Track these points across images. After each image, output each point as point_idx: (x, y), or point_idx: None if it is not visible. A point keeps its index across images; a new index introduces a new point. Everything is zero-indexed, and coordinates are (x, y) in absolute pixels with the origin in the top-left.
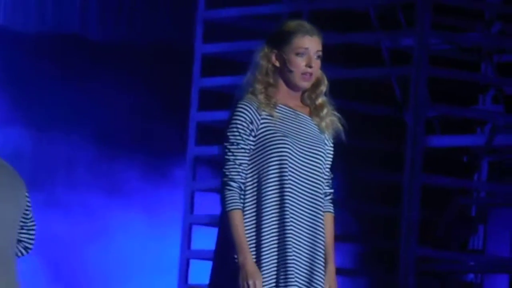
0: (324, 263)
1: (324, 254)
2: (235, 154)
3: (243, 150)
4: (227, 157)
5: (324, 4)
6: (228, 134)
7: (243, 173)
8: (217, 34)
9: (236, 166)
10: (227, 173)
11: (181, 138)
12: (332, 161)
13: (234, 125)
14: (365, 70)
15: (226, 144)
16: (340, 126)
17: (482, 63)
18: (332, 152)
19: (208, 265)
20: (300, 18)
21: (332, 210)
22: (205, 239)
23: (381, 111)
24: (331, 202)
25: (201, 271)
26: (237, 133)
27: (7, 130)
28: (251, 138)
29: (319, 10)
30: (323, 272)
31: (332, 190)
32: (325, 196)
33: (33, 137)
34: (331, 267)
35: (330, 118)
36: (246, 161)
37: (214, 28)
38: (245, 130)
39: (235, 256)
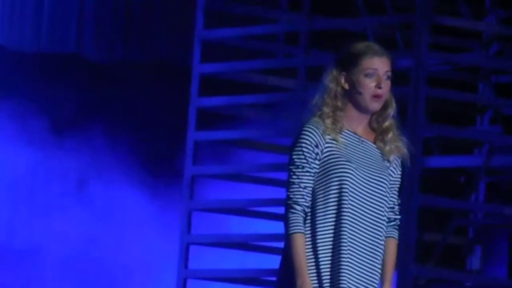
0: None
1: (380, 280)
2: (300, 177)
3: (308, 174)
4: (291, 180)
5: (321, 24)
6: (294, 157)
7: (307, 196)
8: (215, 54)
9: (301, 189)
10: (291, 196)
11: (178, 157)
12: (400, 188)
13: (299, 148)
14: None
15: (291, 167)
16: (406, 151)
17: (480, 83)
18: (399, 179)
19: (205, 285)
20: (298, 39)
21: (395, 236)
22: (203, 258)
23: None
24: (396, 228)
25: None
26: (302, 156)
27: (2, 148)
28: (316, 162)
29: (317, 30)
30: None
31: (398, 217)
32: (389, 222)
33: (30, 155)
34: None
35: (396, 144)
36: (311, 185)
37: (211, 47)
38: (310, 154)
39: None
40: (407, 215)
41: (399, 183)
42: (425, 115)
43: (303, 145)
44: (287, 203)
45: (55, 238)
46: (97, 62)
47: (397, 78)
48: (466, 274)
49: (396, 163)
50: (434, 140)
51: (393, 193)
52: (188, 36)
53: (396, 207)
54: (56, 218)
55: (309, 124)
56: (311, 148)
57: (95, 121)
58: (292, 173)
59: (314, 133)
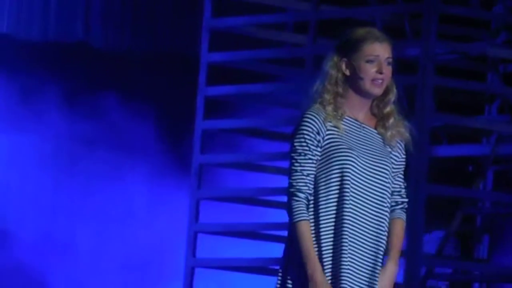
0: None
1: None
2: (302, 164)
3: (310, 161)
4: (294, 167)
5: (330, 13)
6: (295, 144)
7: (310, 184)
8: (222, 43)
9: (304, 177)
10: (294, 184)
11: (186, 147)
12: (404, 171)
13: (301, 135)
14: None
15: (293, 154)
16: (408, 136)
17: (488, 73)
18: (403, 162)
19: (212, 274)
20: (306, 28)
21: (403, 217)
22: (211, 247)
23: None
24: (403, 211)
25: (205, 280)
26: (304, 144)
27: (10, 137)
28: (318, 149)
29: (325, 19)
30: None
31: (405, 200)
32: (397, 205)
33: (36, 145)
34: (390, 267)
35: (397, 129)
36: (313, 172)
37: (219, 36)
38: (312, 141)
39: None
40: (414, 204)
41: (403, 166)
42: (433, 104)
43: (305, 132)
44: (290, 191)
45: (61, 227)
46: (104, 51)
47: (405, 67)
48: (474, 263)
49: (400, 147)
50: (442, 129)
51: (399, 177)
52: (196, 25)
53: (403, 190)
54: (62, 209)
55: (310, 111)
56: (312, 135)
57: (103, 110)
58: (294, 161)
59: (316, 120)
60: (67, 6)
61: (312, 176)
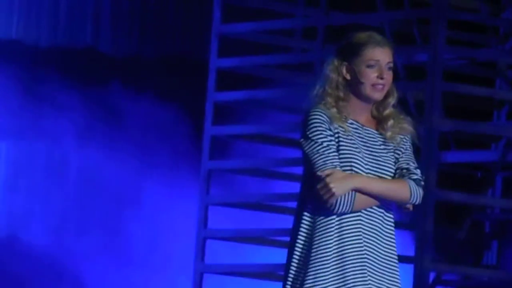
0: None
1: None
2: (326, 155)
3: (332, 150)
4: (318, 157)
5: (339, 19)
6: (311, 136)
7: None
8: (231, 48)
9: (331, 162)
10: (326, 166)
11: (195, 152)
12: (411, 156)
13: (314, 129)
14: None
15: (314, 147)
16: (412, 129)
17: (497, 78)
18: (408, 149)
19: (221, 279)
20: (315, 33)
21: (408, 181)
22: (219, 253)
23: None
24: (411, 179)
25: (214, 286)
26: (322, 135)
27: (19, 142)
28: (333, 138)
29: (334, 25)
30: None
31: (414, 173)
32: (402, 176)
33: (45, 149)
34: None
35: (399, 126)
36: (337, 161)
37: (228, 42)
38: (326, 131)
39: None
40: (423, 210)
41: (409, 151)
42: (442, 109)
43: (318, 125)
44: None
45: (70, 232)
46: (113, 56)
47: (414, 72)
48: (482, 269)
49: (406, 138)
50: (450, 135)
51: (405, 159)
52: (205, 31)
53: (412, 168)
54: (70, 214)
55: (317, 108)
56: (326, 126)
57: (112, 115)
58: (317, 153)
59: (325, 116)
60: (76, 12)
61: (337, 163)
